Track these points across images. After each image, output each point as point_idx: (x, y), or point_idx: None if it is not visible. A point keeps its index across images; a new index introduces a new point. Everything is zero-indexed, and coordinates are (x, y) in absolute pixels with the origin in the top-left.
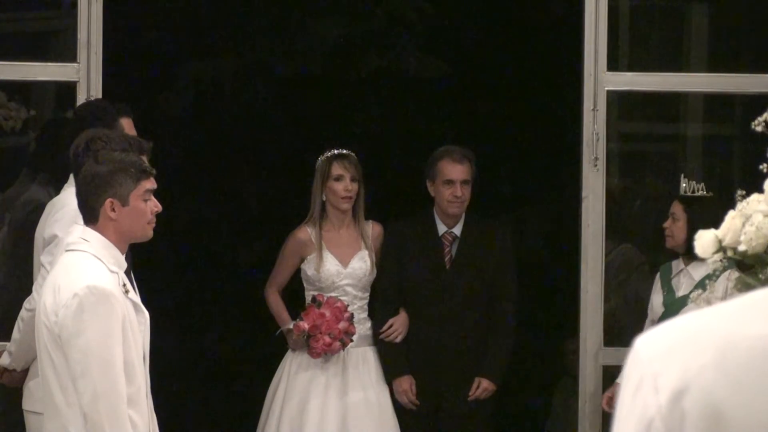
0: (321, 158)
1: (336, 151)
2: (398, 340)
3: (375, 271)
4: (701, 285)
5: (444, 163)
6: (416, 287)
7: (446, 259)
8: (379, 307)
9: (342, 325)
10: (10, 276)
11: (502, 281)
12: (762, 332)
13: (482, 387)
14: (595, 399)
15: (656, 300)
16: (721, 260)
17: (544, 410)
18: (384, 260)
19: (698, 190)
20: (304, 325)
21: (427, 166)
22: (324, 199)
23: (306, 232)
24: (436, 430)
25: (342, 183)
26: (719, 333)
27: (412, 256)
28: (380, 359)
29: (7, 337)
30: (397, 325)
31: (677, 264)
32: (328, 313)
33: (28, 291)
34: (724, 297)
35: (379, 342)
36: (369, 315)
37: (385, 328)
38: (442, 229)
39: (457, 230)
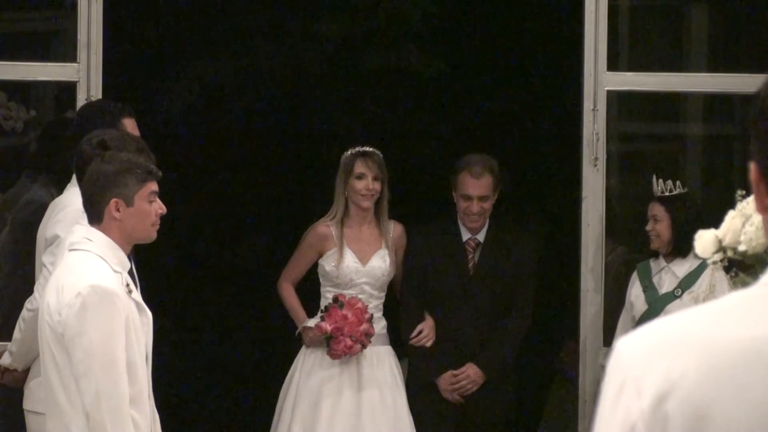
0: (345, 154)
1: (360, 149)
2: (429, 344)
3: (393, 271)
4: (685, 282)
5: (463, 176)
6: (440, 293)
7: (470, 265)
8: (407, 313)
9: (363, 327)
10: (12, 276)
11: (520, 288)
12: (745, 335)
13: (467, 374)
14: (594, 399)
15: (637, 297)
16: (720, 260)
17: (539, 410)
18: (409, 266)
19: (674, 189)
20: (327, 326)
21: (451, 175)
22: (346, 195)
23: (327, 227)
24: None
25: (363, 181)
26: (702, 336)
27: (436, 261)
28: (416, 362)
29: (8, 337)
30: (427, 330)
31: (657, 262)
32: (350, 315)
33: (29, 291)
34: (711, 293)
35: (410, 347)
36: (383, 314)
37: (414, 333)
38: (465, 235)
39: (481, 236)
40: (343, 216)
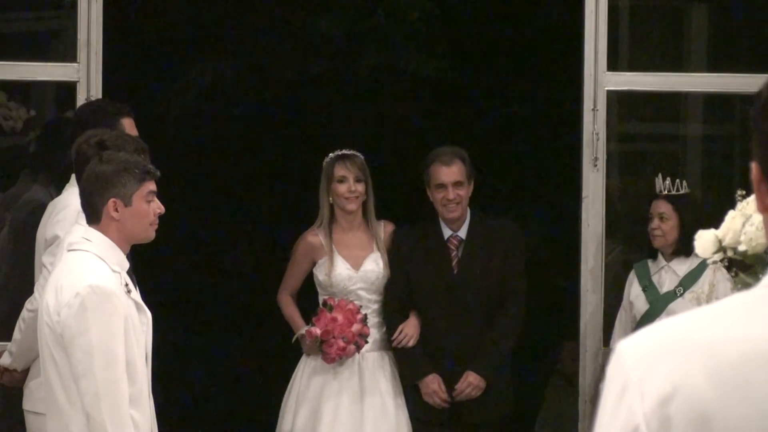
0: (326, 159)
1: (339, 152)
2: (411, 344)
3: (388, 272)
4: (686, 281)
5: (434, 167)
6: (424, 293)
7: (453, 263)
8: (389, 314)
9: (355, 327)
10: (12, 276)
11: (510, 280)
12: (748, 335)
13: (467, 381)
14: (594, 399)
15: (636, 297)
16: (720, 260)
17: (535, 409)
18: (391, 267)
19: (680, 188)
20: (316, 330)
21: (423, 172)
22: (331, 201)
23: (315, 236)
24: None
25: (345, 184)
26: (705, 337)
27: (418, 261)
28: (399, 364)
29: (8, 337)
30: (407, 330)
31: (657, 261)
32: (340, 317)
33: (29, 291)
34: (712, 292)
35: (394, 349)
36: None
37: (396, 334)
38: (447, 233)
39: (462, 233)
40: (330, 222)
